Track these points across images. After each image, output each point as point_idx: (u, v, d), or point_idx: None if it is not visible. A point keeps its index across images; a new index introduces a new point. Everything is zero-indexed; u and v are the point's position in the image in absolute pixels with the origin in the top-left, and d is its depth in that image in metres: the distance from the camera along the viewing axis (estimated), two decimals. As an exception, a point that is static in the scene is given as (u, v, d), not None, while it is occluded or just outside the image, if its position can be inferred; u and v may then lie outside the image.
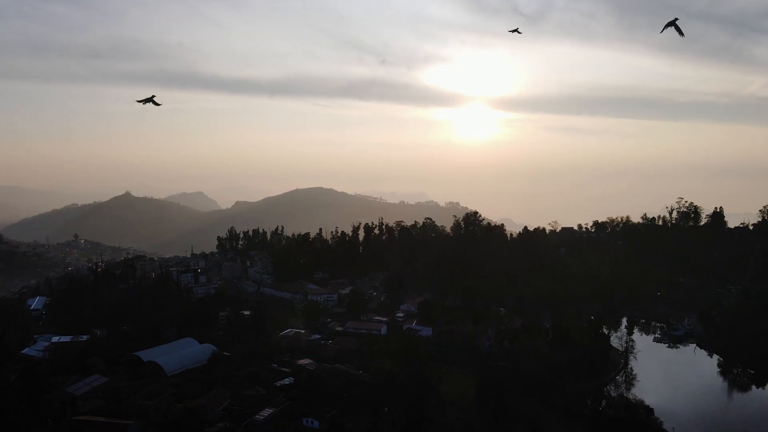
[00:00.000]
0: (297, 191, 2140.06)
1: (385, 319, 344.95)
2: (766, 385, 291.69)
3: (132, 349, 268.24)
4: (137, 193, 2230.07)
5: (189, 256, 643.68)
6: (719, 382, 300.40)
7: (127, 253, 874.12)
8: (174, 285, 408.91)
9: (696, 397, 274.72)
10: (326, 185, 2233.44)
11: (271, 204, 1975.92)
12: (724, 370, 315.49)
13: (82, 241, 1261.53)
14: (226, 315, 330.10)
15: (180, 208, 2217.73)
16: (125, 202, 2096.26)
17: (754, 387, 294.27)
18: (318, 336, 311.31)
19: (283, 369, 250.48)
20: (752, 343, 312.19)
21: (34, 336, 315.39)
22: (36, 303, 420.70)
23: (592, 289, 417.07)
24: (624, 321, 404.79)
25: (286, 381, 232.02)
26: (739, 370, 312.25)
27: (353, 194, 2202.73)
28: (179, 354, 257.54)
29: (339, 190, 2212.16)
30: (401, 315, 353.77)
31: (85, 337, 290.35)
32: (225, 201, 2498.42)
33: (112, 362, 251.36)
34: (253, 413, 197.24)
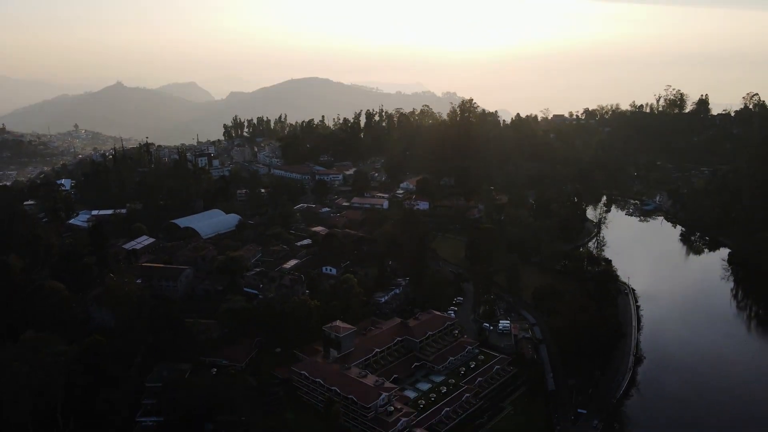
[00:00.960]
0: (292, 81, 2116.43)
1: (386, 195, 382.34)
2: (717, 249, 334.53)
3: (167, 218, 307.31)
4: (128, 83, 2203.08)
5: (195, 144, 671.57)
6: (678, 247, 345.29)
7: (143, 140, 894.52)
8: (192, 166, 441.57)
9: (654, 258, 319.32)
10: (321, 75, 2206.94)
11: (266, 94, 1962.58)
12: (685, 238, 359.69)
13: (83, 131, 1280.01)
14: (244, 192, 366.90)
15: (174, 99, 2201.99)
16: (117, 92, 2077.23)
17: (706, 250, 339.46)
18: (327, 209, 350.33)
19: (301, 233, 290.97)
20: (710, 215, 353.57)
21: (77, 211, 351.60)
22: (58, 185, 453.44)
23: (575, 170, 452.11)
24: (604, 199, 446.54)
25: (305, 242, 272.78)
26: (697, 237, 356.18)
27: (349, 84, 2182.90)
28: (210, 221, 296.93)
29: (334, 80, 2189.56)
30: (401, 192, 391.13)
31: (122, 211, 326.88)
32: (218, 91, 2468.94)
33: (153, 228, 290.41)
34: (281, 263, 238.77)
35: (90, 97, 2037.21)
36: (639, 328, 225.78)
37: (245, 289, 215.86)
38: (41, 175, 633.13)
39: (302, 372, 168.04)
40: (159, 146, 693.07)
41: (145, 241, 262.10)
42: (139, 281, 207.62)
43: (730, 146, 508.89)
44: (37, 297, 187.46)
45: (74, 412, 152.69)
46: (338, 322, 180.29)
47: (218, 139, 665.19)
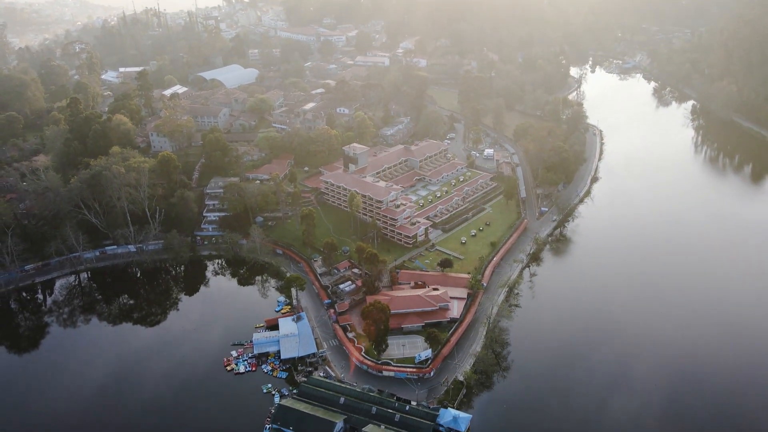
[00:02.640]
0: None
1: (387, 54, 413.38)
2: (684, 102, 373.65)
3: (191, 73, 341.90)
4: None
5: (194, 9, 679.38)
6: (650, 100, 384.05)
7: (133, 9, 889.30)
8: (201, 28, 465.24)
9: (625, 108, 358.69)
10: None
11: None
12: (657, 92, 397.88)
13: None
14: (257, 51, 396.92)
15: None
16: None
17: (673, 102, 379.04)
18: (334, 66, 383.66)
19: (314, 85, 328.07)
20: (681, 71, 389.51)
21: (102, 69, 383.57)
22: (79, 47, 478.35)
23: (564, 33, 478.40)
24: (590, 60, 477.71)
25: (319, 90, 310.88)
26: (667, 91, 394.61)
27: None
28: (232, 74, 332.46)
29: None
30: (401, 51, 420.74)
31: (148, 68, 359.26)
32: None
33: (180, 81, 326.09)
34: (301, 106, 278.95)
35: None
36: (600, 158, 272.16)
37: (274, 124, 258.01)
38: (46, 41, 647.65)
39: (328, 180, 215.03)
40: (159, 11, 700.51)
41: (180, 89, 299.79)
42: (185, 117, 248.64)
43: (717, 9, 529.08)
44: (108, 127, 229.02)
45: (158, 206, 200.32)
46: (355, 144, 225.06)
47: (218, 5, 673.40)
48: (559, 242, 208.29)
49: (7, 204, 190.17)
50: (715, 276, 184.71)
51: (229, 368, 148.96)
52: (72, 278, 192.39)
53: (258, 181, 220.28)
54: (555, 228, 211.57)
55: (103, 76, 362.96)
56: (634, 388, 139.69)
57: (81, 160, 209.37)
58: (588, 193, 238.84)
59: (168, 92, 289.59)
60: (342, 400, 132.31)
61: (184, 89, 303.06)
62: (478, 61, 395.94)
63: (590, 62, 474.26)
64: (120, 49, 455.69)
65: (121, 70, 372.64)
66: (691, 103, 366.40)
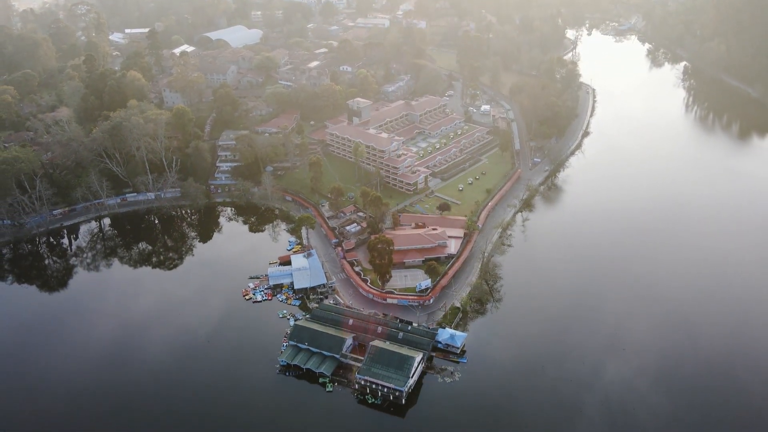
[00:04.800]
0: None
1: (387, 16, 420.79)
2: (677, 63, 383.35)
3: (197, 33, 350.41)
4: None
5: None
6: (643, 60, 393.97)
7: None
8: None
9: (619, 68, 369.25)
10: None
11: None
12: (651, 54, 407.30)
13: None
14: (260, 13, 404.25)
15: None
16: None
17: (666, 63, 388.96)
18: (335, 28, 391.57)
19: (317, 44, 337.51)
20: (674, 32, 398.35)
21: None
22: (84, 8, 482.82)
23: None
24: (587, 23, 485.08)
25: (322, 50, 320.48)
26: (661, 53, 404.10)
27: None
28: (237, 35, 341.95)
29: None
30: (401, 13, 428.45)
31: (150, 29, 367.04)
32: None
33: (186, 41, 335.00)
34: (305, 64, 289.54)
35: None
36: (592, 114, 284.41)
37: (280, 81, 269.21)
38: (46, 5, 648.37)
39: (334, 132, 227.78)
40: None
41: (187, 48, 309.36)
42: (195, 74, 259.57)
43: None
44: (123, 83, 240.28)
45: (174, 157, 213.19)
46: (358, 98, 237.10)
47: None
48: (551, 190, 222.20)
49: (34, 153, 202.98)
50: (702, 224, 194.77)
51: (247, 297, 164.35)
52: (95, 223, 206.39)
53: (267, 134, 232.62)
54: (547, 177, 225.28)
55: (111, 37, 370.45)
56: (612, 323, 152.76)
57: (99, 113, 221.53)
58: (579, 146, 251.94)
59: (177, 51, 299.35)
60: (351, 321, 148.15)
61: (192, 49, 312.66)
62: (476, 22, 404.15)
63: (587, 24, 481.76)
64: (123, 10, 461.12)
65: (127, 31, 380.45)
66: (683, 64, 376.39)
